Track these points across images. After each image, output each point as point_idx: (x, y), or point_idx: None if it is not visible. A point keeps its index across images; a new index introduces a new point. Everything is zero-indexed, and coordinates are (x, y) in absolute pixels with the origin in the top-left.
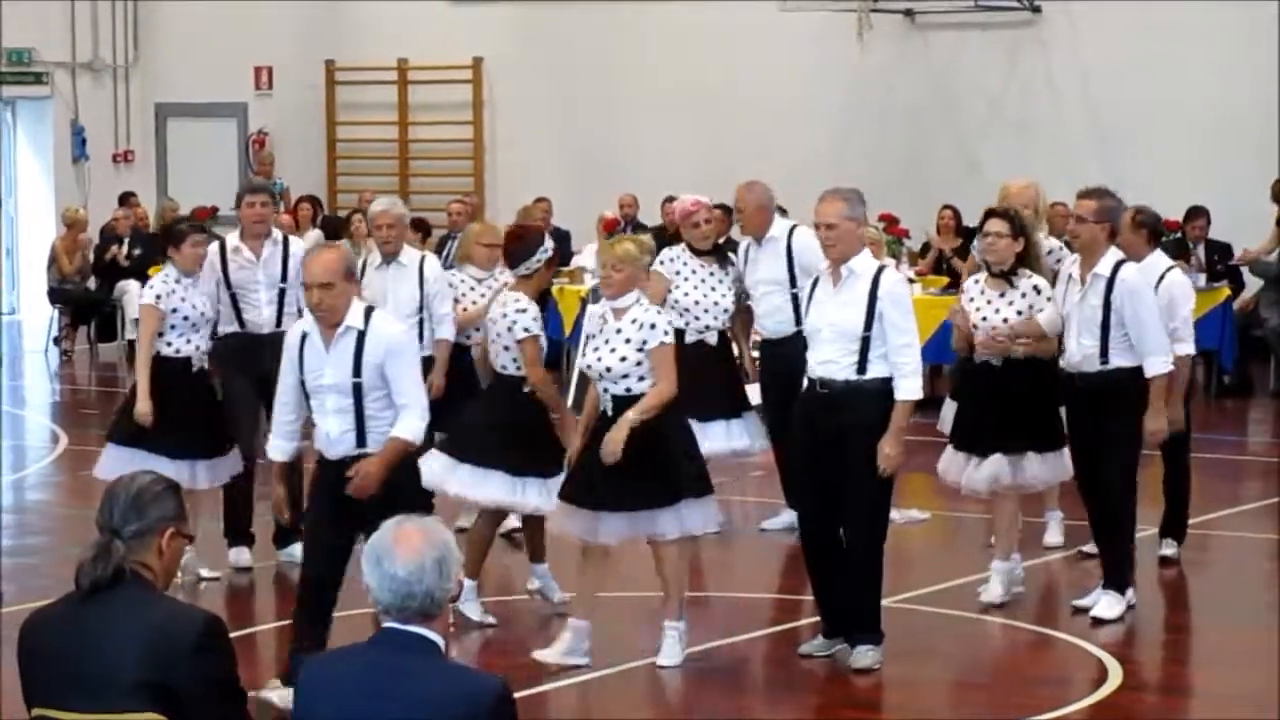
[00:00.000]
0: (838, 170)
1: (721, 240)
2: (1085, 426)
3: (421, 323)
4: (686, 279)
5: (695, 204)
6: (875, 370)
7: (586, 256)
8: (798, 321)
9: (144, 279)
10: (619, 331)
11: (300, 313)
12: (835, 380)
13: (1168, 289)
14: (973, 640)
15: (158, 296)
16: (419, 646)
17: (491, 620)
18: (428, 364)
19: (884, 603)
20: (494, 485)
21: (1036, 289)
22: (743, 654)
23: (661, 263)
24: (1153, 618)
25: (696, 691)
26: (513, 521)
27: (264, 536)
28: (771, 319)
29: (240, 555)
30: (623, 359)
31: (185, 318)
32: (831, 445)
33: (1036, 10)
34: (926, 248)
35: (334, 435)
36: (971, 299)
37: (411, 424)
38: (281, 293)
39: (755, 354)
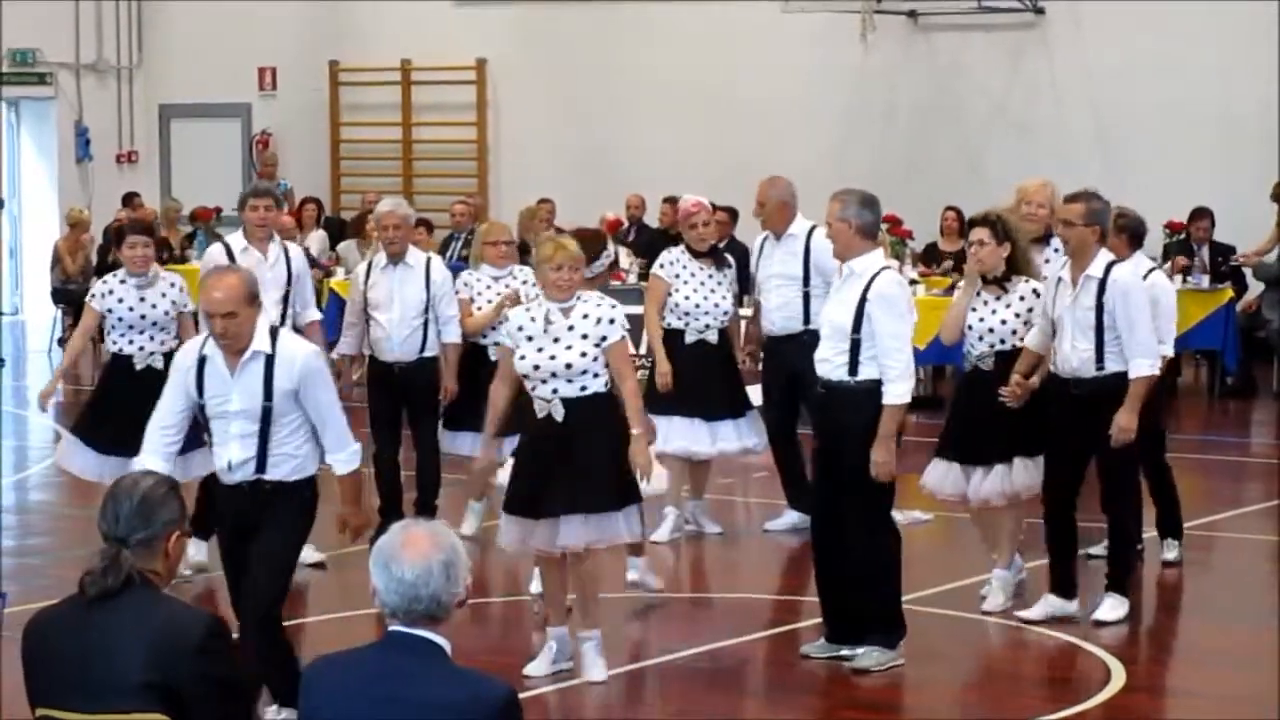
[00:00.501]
0: (840, 171)
1: (723, 243)
2: (1079, 432)
3: (427, 324)
4: (686, 281)
5: (696, 205)
6: (867, 372)
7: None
8: (806, 320)
9: None
10: (571, 329)
11: (284, 317)
12: (830, 380)
13: (1150, 289)
14: (976, 642)
15: (92, 296)
16: (425, 650)
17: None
18: (434, 364)
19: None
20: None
21: (1036, 293)
22: (745, 655)
23: (661, 265)
24: (1156, 619)
25: (699, 692)
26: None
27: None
28: (780, 313)
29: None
30: (582, 354)
31: (121, 319)
32: (831, 445)
33: (1040, 12)
34: (931, 249)
35: (235, 461)
36: (974, 308)
37: (346, 455)
38: (286, 296)
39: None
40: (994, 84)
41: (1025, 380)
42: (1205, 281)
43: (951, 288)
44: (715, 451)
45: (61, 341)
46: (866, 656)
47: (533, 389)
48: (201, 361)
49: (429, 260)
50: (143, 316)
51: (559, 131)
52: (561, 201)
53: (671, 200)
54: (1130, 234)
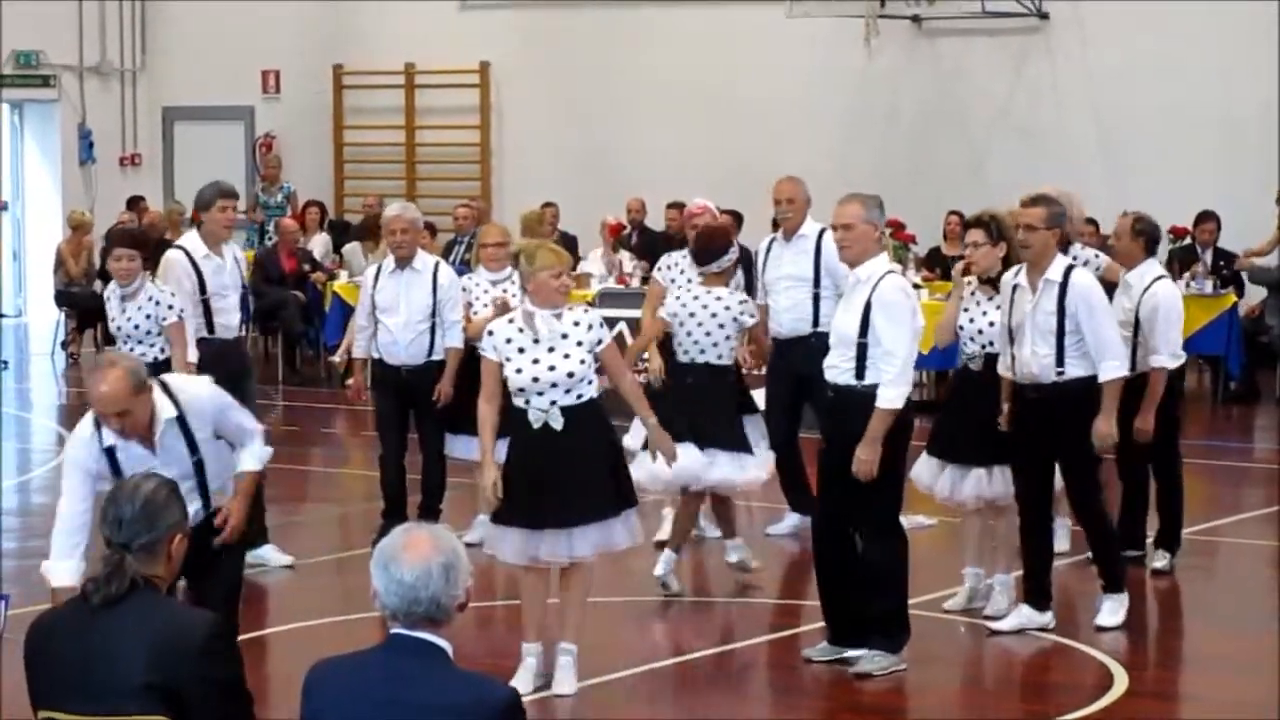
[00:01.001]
0: (844, 176)
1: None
2: (1038, 437)
3: (434, 328)
4: (683, 287)
5: (701, 208)
6: (873, 376)
7: (592, 262)
8: (815, 322)
9: None
10: (565, 336)
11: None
12: (839, 385)
13: (1152, 297)
14: (978, 646)
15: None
16: (427, 653)
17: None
18: (439, 369)
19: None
20: (721, 465)
21: None
22: (747, 658)
23: (660, 269)
24: (1158, 624)
25: (700, 696)
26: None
27: None
28: (789, 314)
29: None
30: (581, 362)
31: (108, 329)
32: (838, 450)
33: (1044, 16)
34: (934, 253)
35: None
36: (967, 309)
37: (255, 453)
38: (243, 297)
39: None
40: (997, 88)
41: (1015, 404)
42: (1209, 287)
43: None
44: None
45: (65, 344)
46: (869, 661)
47: (526, 401)
48: (110, 451)
49: (437, 264)
50: (120, 328)
51: (562, 135)
52: (564, 204)
53: (678, 205)
54: (1147, 239)
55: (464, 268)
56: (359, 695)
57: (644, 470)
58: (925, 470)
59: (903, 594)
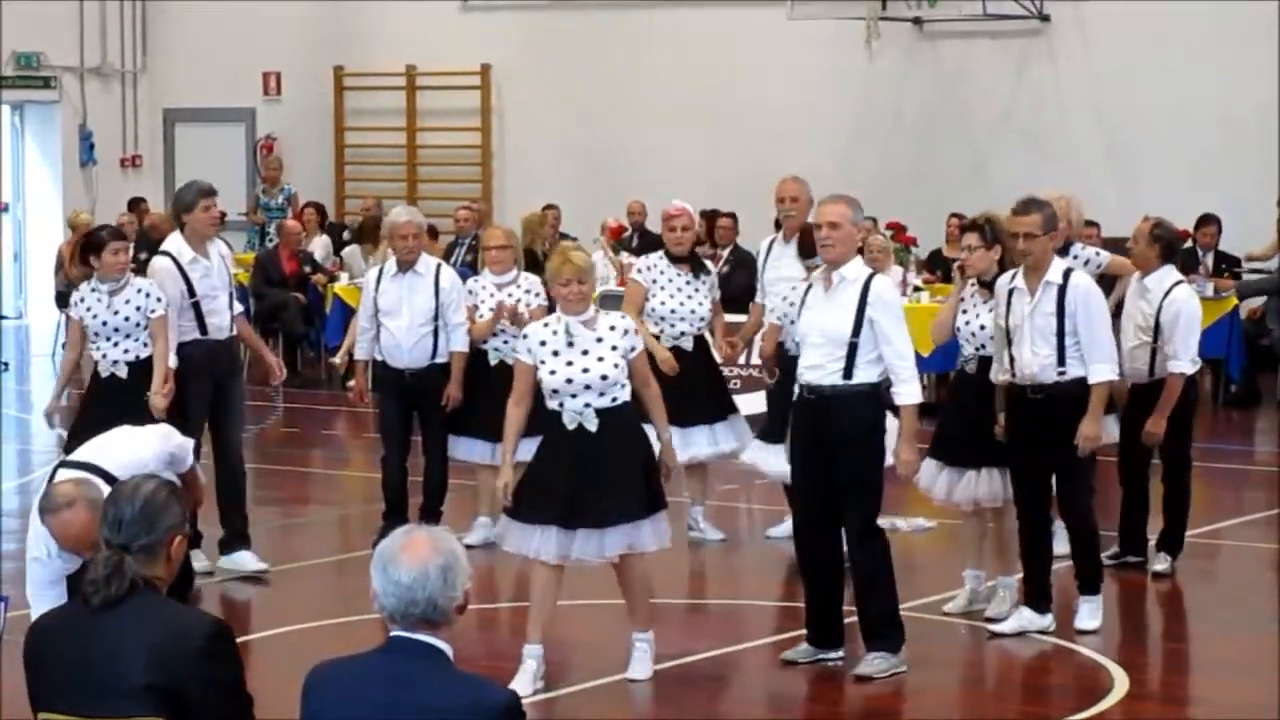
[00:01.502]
0: (846, 178)
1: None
2: (1037, 438)
3: (437, 331)
4: (663, 287)
5: (679, 209)
6: (861, 376)
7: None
8: None
9: None
10: (600, 340)
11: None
12: (822, 385)
13: (1173, 303)
14: (978, 649)
15: (72, 305)
16: (426, 655)
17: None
18: (445, 371)
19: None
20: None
21: None
22: (747, 661)
23: (639, 270)
24: (1158, 627)
25: (700, 698)
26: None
27: (209, 542)
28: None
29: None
30: (615, 366)
31: (86, 325)
32: (822, 452)
33: (1045, 18)
34: (936, 255)
35: None
36: (965, 310)
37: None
38: (230, 295)
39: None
40: (999, 90)
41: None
42: (1210, 289)
43: None
44: (687, 458)
45: (65, 346)
46: (869, 664)
47: (559, 404)
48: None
49: (439, 267)
50: (105, 323)
51: (563, 137)
52: (565, 206)
53: None
54: (1164, 245)
55: (465, 270)
56: (358, 697)
57: (758, 456)
58: (925, 473)
59: (894, 594)
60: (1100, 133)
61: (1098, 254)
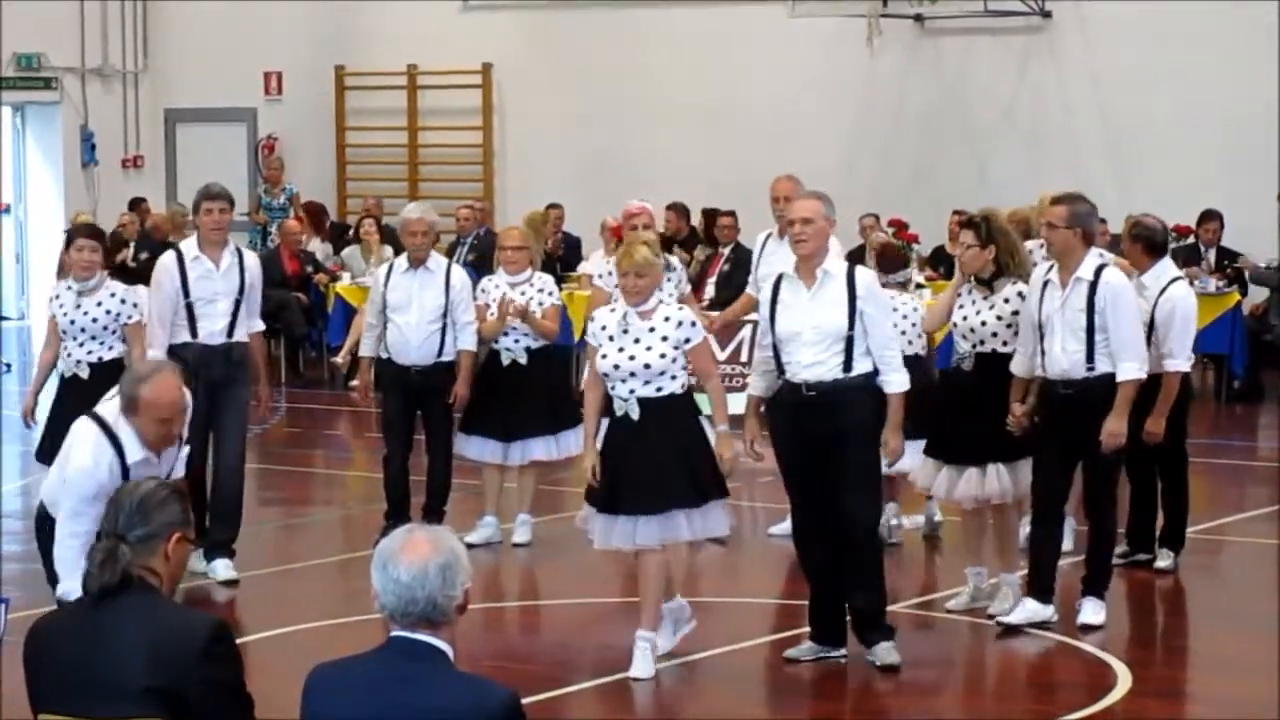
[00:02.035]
0: (848, 175)
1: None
2: (1069, 434)
3: (444, 329)
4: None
5: (639, 208)
6: (860, 367)
7: (593, 263)
8: None
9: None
10: (652, 330)
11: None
12: (824, 381)
13: (1168, 301)
14: (981, 646)
15: (48, 301)
16: (426, 655)
17: None
18: (451, 369)
19: (893, 608)
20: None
21: (1022, 295)
22: (749, 660)
23: (600, 276)
24: (1161, 623)
25: (702, 697)
26: (520, 538)
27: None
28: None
29: None
30: (661, 356)
31: (57, 323)
32: (825, 446)
33: (1046, 15)
34: (938, 252)
35: None
36: (961, 305)
37: None
38: (237, 303)
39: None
40: (1000, 86)
41: (1023, 406)
42: (1212, 285)
43: None
44: None
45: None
46: (889, 653)
47: (612, 388)
48: (126, 470)
49: (449, 266)
50: (73, 322)
51: (564, 136)
52: (566, 205)
53: (678, 207)
54: (1145, 243)
55: (468, 268)
56: (358, 698)
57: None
58: (923, 471)
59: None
60: (1101, 129)
61: (1100, 255)
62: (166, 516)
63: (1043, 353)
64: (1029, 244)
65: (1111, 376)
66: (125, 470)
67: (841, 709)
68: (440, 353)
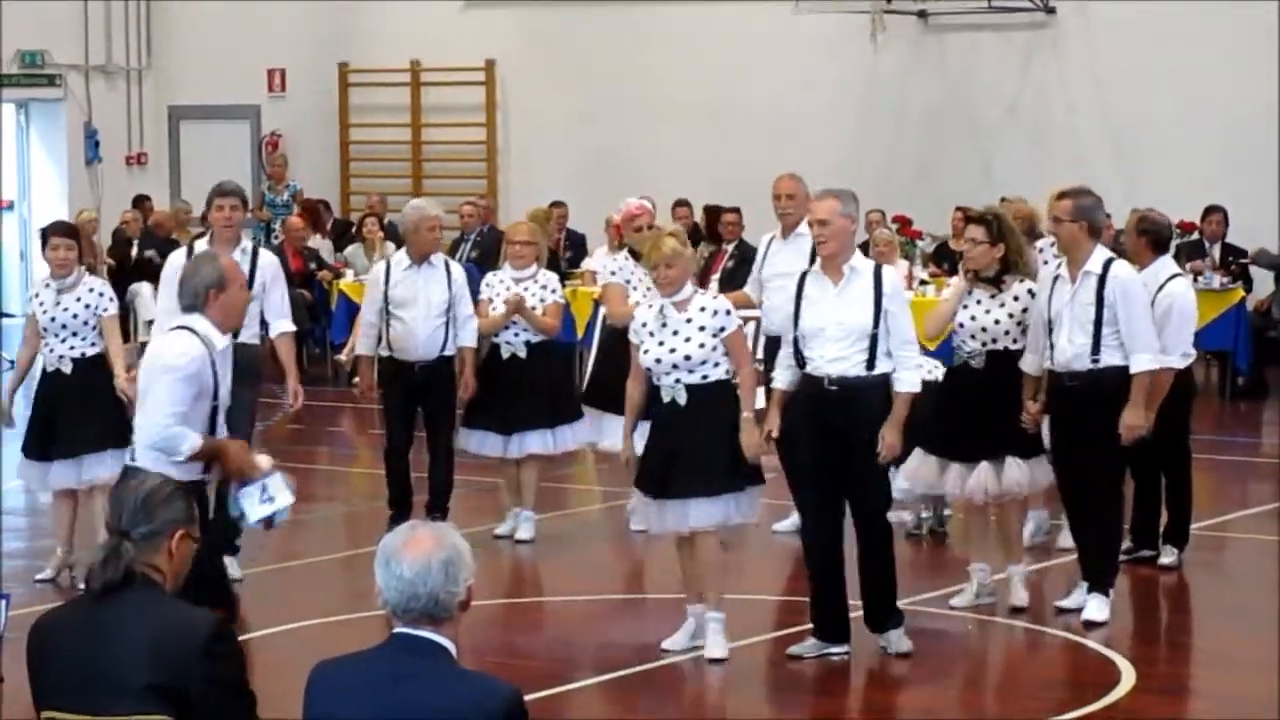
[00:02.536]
0: (851, 172)
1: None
2: (1072, 425)
3: (448, 324)
4: (635, 286)
5: (639, 208)
6: (883, 366)
7: (597, 259)
8: None
9: (157, 281)
10: (689, 321)
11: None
12: (848, 377)
13: (1166, 297)
14: (984, 642)
15: (29, 299)
16: (429, 652)
17: None
18: (453, 365)
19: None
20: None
21: (1031, 293)
22: (752, 656)
23: (612, 272)
24: (1165, 620)
25: (703, 694)
26: (523, 534)
27: None
28: (780, 313)
29: None
30: (701, 346)
31: (37, 321)
32: (842, 441)
33: (1050, 11)
34: (942, 248)
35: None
36: (966, 304)
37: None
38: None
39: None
40: (1004, 83)
41: (1036, 404)
42: (1216, 281)
43: None
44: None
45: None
46: (902, 640)
47: (657, 380)
48: (212, 363)
49: (448, 262)
50: (54, 319)
51: (568, 133)
52: (570, 202)
53: (684, 203)
54: (1152, 238)
55: (471, 266)
56: (361, 695)
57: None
58: (924, 469)
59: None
60: (1104, 124)
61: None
62: (171, 513)
63: (1051, 346)
64: (1040, 242)
65: (1118, 369)
66: (215, 369)
67: (844, 706)
68: (443, 348)
